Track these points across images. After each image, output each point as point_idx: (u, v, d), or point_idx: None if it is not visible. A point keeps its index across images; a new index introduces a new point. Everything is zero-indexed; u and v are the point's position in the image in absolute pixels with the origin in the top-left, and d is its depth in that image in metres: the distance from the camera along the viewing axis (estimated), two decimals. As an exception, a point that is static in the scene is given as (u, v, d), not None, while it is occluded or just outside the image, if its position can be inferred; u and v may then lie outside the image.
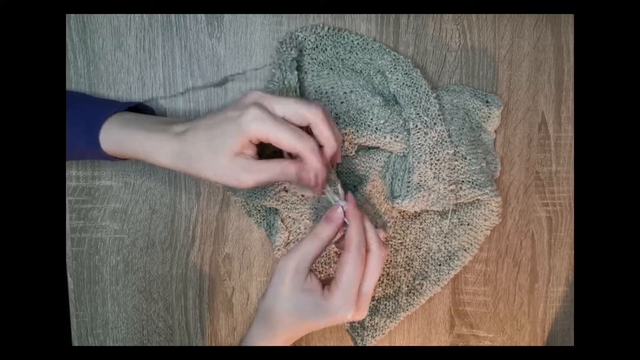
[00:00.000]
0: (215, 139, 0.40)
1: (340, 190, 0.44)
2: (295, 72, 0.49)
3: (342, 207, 0.43)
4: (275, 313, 0.42)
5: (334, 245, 0.47)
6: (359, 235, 0.41)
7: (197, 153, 0.41)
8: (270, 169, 0.41)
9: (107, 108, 0.45)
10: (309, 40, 0.52)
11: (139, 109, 0.50)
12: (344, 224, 0.42)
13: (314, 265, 0.43)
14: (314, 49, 0.52)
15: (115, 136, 0.43)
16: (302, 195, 0.51)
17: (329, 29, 0.52)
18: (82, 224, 0.53)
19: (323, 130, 0.41)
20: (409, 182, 0.49)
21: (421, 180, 0.49)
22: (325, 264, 0.53)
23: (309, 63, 0.52)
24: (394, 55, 0.52)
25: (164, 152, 0.42)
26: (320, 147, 0.42)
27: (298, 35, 0.51)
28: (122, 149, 0.43)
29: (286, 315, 0.42)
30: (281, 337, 0.43)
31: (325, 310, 0.41)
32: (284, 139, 0.39)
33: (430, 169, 0.49)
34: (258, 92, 0.42)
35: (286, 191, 0.50)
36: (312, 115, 0.41)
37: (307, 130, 0.42)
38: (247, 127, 0.39)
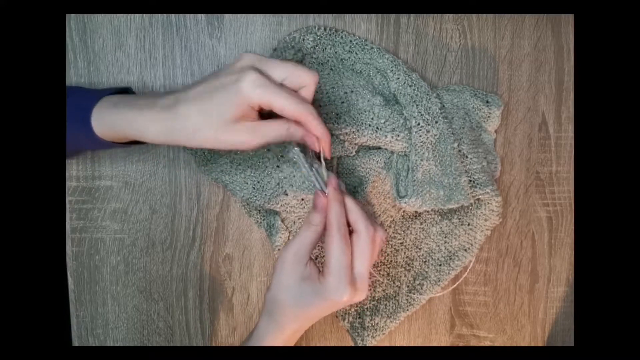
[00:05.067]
0: (212, 110, 0.39)
1: (325, 174, 0.44)
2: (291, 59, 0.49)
3: (324, 192, 0.43)
4: (279, 304, 0.42)
5: None
6: (337, 217, 0.41)
7: (195, 125, 0.39)
8: (277, 129, 0.40)
9: (95, 93, 0.44)
10: (308, 40, 0.51)
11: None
12: None
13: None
14: (314, 48, 0.52)
15: (106, 119, 0.42)
16: (302, 199, 0.51)
17: (325, 28, 0.52)
18: (82, 224, 0.53)
19: (314, 126, 0.40)
20: (414, 180, 0.49)
21: (426, 178, 0.49)
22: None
23: (309, 63, 0.52)
24: (392, 56, 0.52)
25: (155, 129, 0.40)
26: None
27: (295, 37, 0.51)
28: (115, 131, 0.42)
29: (289, 305, 0.42)
30: (288, 329, 0.43)
31: (322, 294, 0.41)
32: (287, 105, 0.39)
33: (435, 165, 0.49)
34: (252, 54, 0.40)
35: (286, 194, 0.50)
36: (310, 77, 0.40)
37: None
38: (248, 94, 0.38)
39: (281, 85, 0.39)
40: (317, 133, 0.41)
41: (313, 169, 0.43)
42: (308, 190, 0.50)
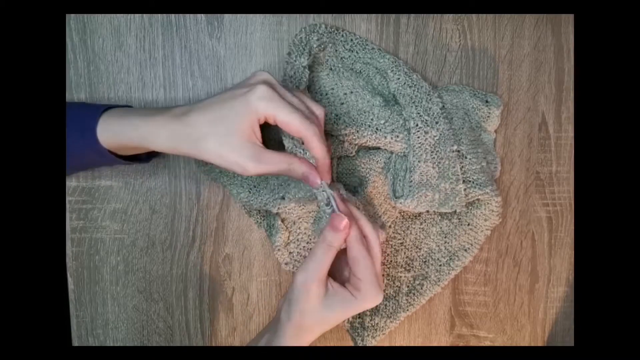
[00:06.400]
0: (222, 119, 0.39)
1: (329, 193, 0.44)
2: (305, 89, 0.48)
3: (334, 210, 0.43)
4: (307, 327, 0.43)
5: None
6: (354, 230, 0.42)
7: (201, 133, 0.39)
8: (279, 162, 0.40)
9: (101, 106, 0.44)
10: (313, 40, 0.51)
11: None
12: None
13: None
14: (319, 47, 0.51)
15: (112, 127, 0.42)
16: (301, 202, 0.50)
17: (326, 26, 0.52)
18: (82, 224, 0.53)
19: (315, 147, 0.41)
20: (411, 181, 0.49)
21: (423, 179, 0.49)
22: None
23: (315, 64, 0.52)
24: (393, 57, 0.52)
25: (162, 134, 0.40)
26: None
27: (302, 38, 0.51)
28: (119, 139, 0.42)
29: (318, 325, 0.43)
30: (310, 339, 0.44)
31: (358, 306, 0.42)
32: (292, 121, 0.39)
33: (433, 167, 0.49)
34: (266, 73, 0.41)
35: (283, 199, 0.49)
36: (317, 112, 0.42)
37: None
38: (256, 104, 0.39)
39: (290, 102, 0.40)
40: (316, 154, 0.41)
41: (326, 192, 0.43)
42: (306, 198, 0.49)
